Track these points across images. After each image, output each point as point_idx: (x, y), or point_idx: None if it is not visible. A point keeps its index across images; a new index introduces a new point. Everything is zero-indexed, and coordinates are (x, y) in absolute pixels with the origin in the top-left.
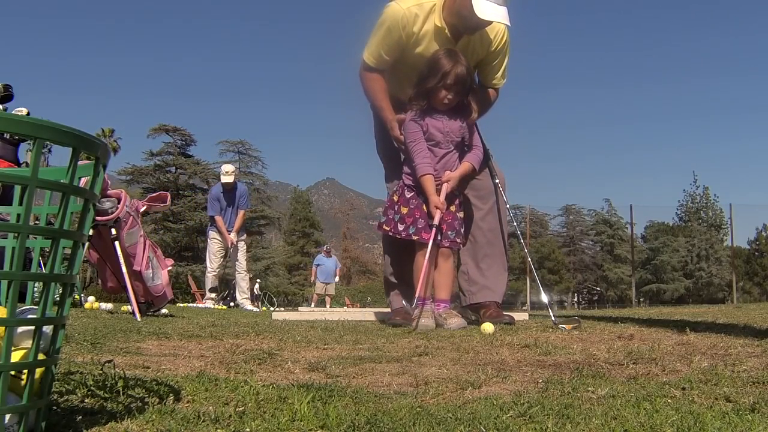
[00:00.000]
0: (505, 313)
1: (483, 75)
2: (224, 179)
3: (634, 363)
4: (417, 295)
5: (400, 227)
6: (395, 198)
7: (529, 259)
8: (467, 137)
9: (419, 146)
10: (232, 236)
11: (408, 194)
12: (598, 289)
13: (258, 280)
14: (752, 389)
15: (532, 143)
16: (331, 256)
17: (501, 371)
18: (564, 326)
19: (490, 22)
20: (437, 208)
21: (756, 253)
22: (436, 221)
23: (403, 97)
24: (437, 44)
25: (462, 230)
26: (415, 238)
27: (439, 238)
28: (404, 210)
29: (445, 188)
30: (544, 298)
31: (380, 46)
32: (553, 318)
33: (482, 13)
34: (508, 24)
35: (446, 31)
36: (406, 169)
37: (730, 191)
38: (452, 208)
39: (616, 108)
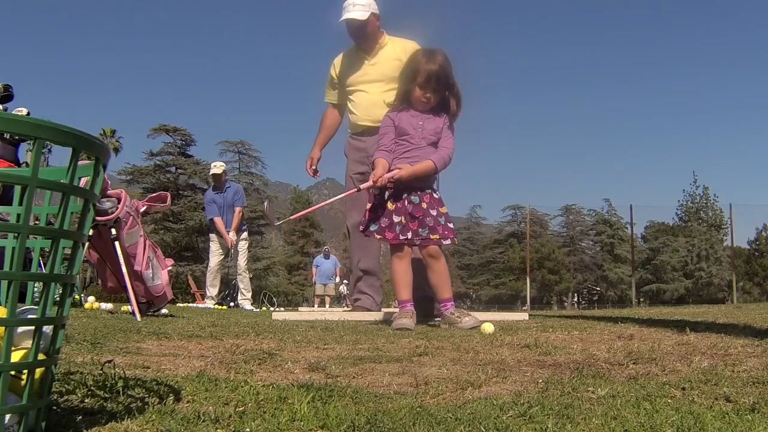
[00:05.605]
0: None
1: None
2: (212, 171)
3: (634, 363)
4: (399, 299)
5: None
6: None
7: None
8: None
9: (384, 139)
10: (231, 236)
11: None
12: (598, 289)
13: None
14: (752, 389)
15: (532, 143)
16: (329, 258)
17: (501, 371)
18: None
19: (346, 20)
20: (372, 179)
21: (756, 253)
22: (363, 186)
23: (369, 118)
24: (354, 63)
25: (441, 227)
26: (377, 237)
27: (408, 236)
28: (368, 205)
29: (394, 173)
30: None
31: (326, 86)
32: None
33: (340, 19)
34: (355, 18)
35: (358, 49)
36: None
37: (730, 191)
38: (423, 205)
39: (616, 107)
